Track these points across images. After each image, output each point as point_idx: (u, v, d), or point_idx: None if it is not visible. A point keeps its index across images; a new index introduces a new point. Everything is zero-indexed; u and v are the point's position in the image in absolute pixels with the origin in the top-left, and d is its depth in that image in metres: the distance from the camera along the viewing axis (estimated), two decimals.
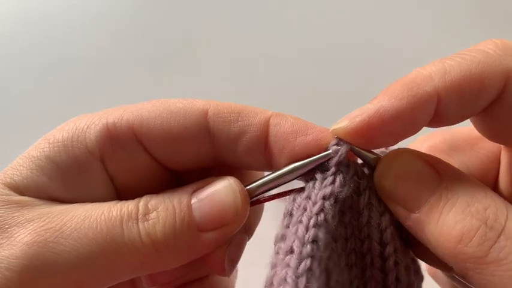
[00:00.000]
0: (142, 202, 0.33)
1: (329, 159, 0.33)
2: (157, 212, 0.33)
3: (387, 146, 0.34)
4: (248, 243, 0.38)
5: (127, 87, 0.75)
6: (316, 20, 0.86)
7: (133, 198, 0.35)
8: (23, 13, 0.90)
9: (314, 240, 0.31)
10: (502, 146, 0.36)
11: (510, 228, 0.28)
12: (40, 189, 0.34)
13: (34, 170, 0.34)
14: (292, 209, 0.34)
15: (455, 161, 0.37)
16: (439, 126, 0.34)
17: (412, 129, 0.32)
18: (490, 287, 0.28)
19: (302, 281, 0.30)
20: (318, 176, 0.34)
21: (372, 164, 0.34)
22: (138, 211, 0.33)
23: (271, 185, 0.35)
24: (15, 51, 0.86)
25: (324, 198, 0.33)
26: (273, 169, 0.35)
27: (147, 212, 0.33)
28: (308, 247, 0.31)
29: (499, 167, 0.37)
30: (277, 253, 0.33)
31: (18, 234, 0.32)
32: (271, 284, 0.31)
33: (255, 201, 0.35)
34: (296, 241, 0.32)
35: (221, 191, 0.34)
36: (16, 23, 0.89)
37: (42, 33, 0.87)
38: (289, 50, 0.83)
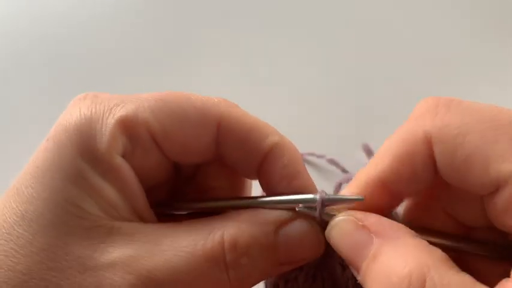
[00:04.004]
0: (227, 242, 0.33)
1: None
2: (248, 257, 0.33)
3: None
4: None
5: (129, 85, 0.76)
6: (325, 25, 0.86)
7: (147, 190, 0.36)
8: (22, 12, 0.90)
9: (295, 278, 0.37)
10: None
11: None
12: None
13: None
14: None
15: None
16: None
17: (379, 212, 0.34)
18: None
19: None
20: None
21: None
22: (224, 255, 0.33)
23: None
24: (12, 50, 0.87)
25: None
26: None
27: (237, 257, 0.33)
28: (288, 285, 0.37)
29: None
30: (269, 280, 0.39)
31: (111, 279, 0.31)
32: None
33: None
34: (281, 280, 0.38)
35: (305, 233, 0.35)
36: (16, 22, 0.89)
37: (42, 32, 0.87)
38: (291, 49, 0.82)
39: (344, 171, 0.64)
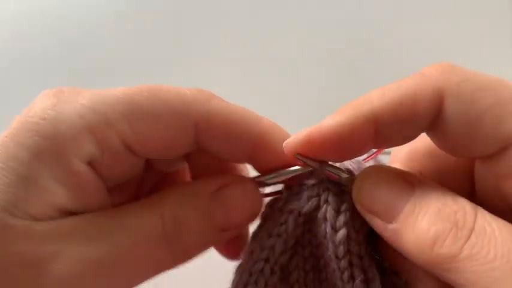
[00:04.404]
0: (166, 216, 0.34)
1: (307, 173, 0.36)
2: (185, 226, 0.34)
3: (334, 161, 0.35)
4: None
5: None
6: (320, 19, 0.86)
7: (119, 185, 0.36)
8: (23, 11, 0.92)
9: (271, 247, 0.35)
10: None
11: (479, 227, 0.29)
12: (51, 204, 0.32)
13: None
14: (268, 212, 0.37)
15: (432, 165, 0.38)
16: (385, 147, 0.36)
17: (354, 148, 0.33)
18: (468, 286, 0.29)
19: (252, 280, 0.35)
20: (292, 188, 0.37)
21: (342, 182, 0.35)
22: (165, 227, 0.33)
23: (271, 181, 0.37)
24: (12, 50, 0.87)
25: (290, 212, 0.36)
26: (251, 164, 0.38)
27: (174, 228, 0.34)
28: (265, 252, 0.35)
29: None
30: (246, 248, 0.37)
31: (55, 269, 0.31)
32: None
33: None
34: (257, 248, 0.36)
35: (240, 195, 0.36)
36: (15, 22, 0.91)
37: (42, 31, 0.89)
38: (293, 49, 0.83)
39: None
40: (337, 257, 0.35)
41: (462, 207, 0.30)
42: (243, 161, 0.37)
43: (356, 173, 0.35)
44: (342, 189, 0.35)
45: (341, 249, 0.35)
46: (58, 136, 0.32)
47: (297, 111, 0.73)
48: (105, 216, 0.34)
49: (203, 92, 0.35)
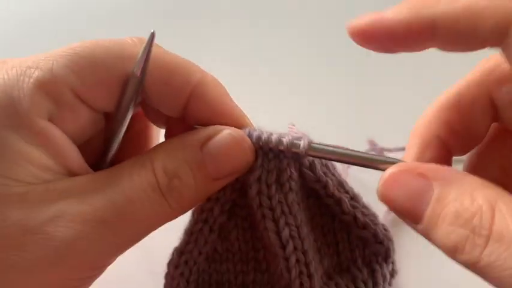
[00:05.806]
0: (158, 171, 0.35)
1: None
2: (179, 178, 0.35)
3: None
4: None
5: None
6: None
7: (84, 144, 0.37)
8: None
9: (210, 209, 0.39)
10: None
11: (497, 232, 0.29)
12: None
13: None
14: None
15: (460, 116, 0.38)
16: (445, 50, 0.34)
17: (409, 44, 0.33)
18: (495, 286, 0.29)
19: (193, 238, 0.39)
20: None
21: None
22: (159, 182, 0.34)
23: None
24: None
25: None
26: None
27: (169, 181, 0.35)
28: (203, 214, 0.39)
29: None
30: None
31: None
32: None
33: None
34: (198, 210, 0.40)
35: (230, 144, 0.36)
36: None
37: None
38: (293, 45, 0.83)
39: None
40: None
41: (479, 210, 0.29)
42: (177, 113, 0.38)
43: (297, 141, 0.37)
44: (278, 152, 0.38)
45: (256, 202, 0.38)
46: (13, 100, 0.33)
47: (296, 111, 0.73)
48: (99, 177, 0.35)
49: (143, 39, 0.37)
